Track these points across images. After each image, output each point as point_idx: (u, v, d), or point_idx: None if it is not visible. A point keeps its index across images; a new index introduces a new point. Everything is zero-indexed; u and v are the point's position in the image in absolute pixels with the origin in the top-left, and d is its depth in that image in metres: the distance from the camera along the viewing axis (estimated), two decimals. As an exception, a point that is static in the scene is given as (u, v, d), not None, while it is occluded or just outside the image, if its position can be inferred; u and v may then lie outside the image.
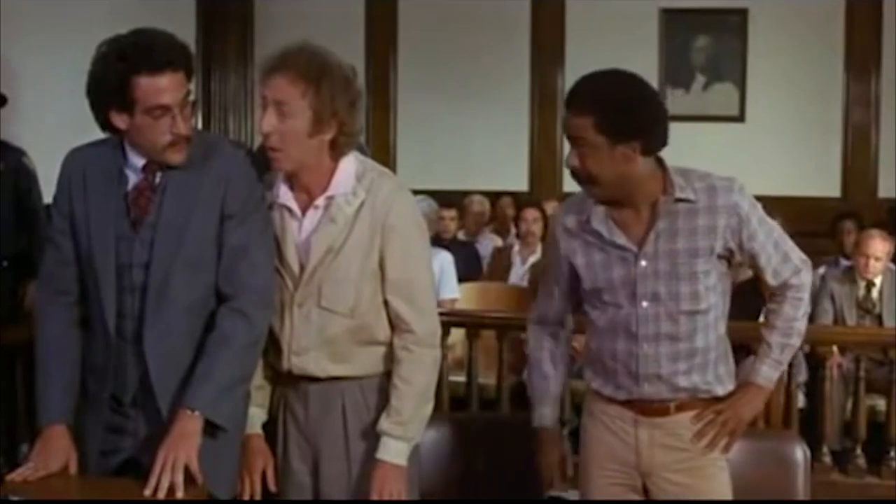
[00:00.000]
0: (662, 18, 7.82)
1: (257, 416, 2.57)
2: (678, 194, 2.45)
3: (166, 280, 2.42)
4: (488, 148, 7.91)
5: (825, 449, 4.79)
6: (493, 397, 4.89)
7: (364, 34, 8.18)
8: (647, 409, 2.54)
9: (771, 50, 7.73)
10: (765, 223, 2.52)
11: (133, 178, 2.46)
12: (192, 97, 2.45)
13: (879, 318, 5.46)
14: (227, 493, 2.47)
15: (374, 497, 2.48)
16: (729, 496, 2.58)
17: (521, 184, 8.03)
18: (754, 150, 7.25)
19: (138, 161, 2.44)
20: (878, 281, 5.48)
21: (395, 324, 2.53)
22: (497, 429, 3.09)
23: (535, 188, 8.00)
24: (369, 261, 2.49)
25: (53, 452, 2.42)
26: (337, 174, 2.49)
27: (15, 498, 2.23)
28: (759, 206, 2.53)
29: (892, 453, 4.75)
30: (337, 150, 2.48)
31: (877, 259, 5.43)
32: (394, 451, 2.50)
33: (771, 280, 2.55)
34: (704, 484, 2.55)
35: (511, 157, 8.04)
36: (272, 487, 2.54)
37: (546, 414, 2.71)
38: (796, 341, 2.60)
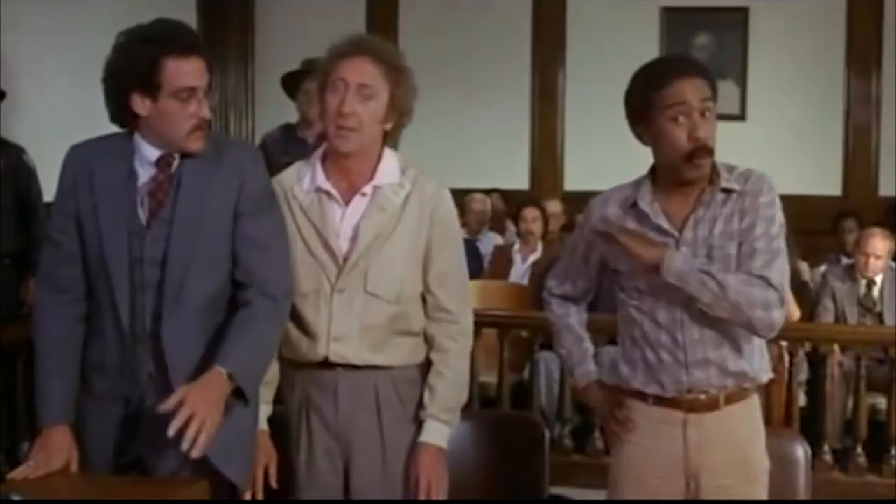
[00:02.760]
0: (663, 17, 7.81)
1: (263, 412, 2.56)
2: (724, 184, 2.48)
3: (184, 277, 2.41)
4: (489, 146, 7.90)
5: (826, 447, 4.79)
6: (494, 396, 4.89)
7: (365, 32, 8.18)
8: (697, 404, 2.51)
9: (772, 48, 7.73)
10: (772, 229, 2.45)
11: (144, 173, 2.44)
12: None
13: (880, 317, 5.46)
14: (241, 480, 2.46)
15: (423, 479, 2.50)
16: (764, 498, 2.57)
17: (521, 182, 8.03)
18: (755, 149, 7.22)
19: (151, 154, 2.43)
20: (878, 279, 5.48)
21: (436, 316, 2.59)
22: (498, 428, 3.08)
23: (535, 187, 8.00)
24: (416, 251, 2.54)
25: (54, 451, 2.41)
26: (382, 164, 2.54)
27: (16, 497, 2.23)
28: (778, 216, 2.47)
29: (893, 452, 4.75)
30: (387, 139, 2.54)
31: (877, 257, 5.43)
32: (439, 435, 2.55)
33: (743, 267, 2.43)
34: (747, 486, 2.54)
35: (512, 156, 8.03)
36: (273, 484, 2.53)
37: (592, 370, 2.72)
38: (715, 286, 2.39)
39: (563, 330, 2.75)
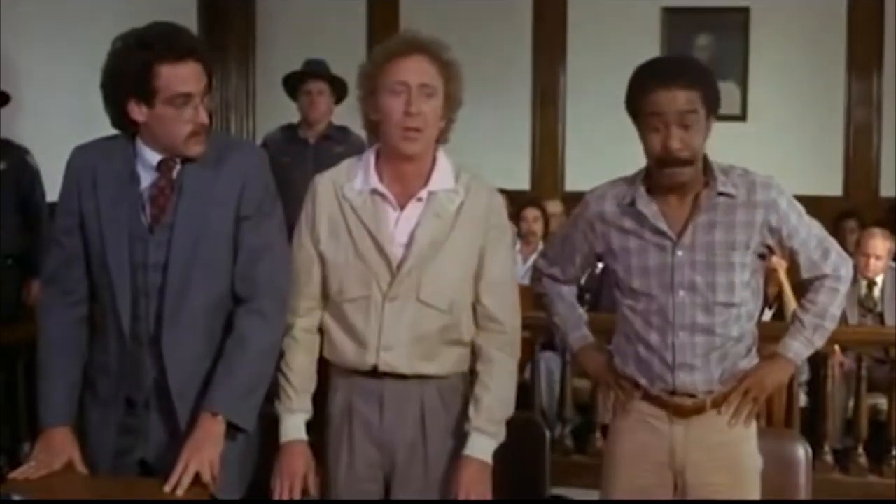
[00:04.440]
0: (664, 17, 7.80)
1: (302, 419, 2.52)
2: (720, 188, 2.49)
3: (185, 282, 2.40)
4: (490, 147, 7.89)
5: (827, 448, 4.79)
6: (495, 396, 4.89)
7: (366, 33, 8.17)
8: (682, 409, 2.53)
9: (773, 49, 7.72)
10: (804, 220, 2.56)
11: (146, 177, 2.43)
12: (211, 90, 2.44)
13: (881, 317, 5.46)
14: (232, 493, 2.46)
15: (463, 495, 2.44)
16: (757, 497, 2.59)
17: (522, 183, 8.02)
18: (756, 149, 7.21)
19: (152, 158, 2.42)
20: (879, 280, 5.48)
21: (484, 325, 2.53)
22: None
23: (536, 187, 7.99)
24: (470, 260, 2.49)
25: (55, 451, 2.42)
26: (437, 169, 2.50)
27: (17, 497, 2.23)
28: (797, 203, 2.56)
29: (894, 452, 4.75)
30: (439, 140, 2.51)
31: (878, 258, 5.43)
32: (485, 449, 2.50)
33: (805, 273, 2.60)
34: (736, 485, 2.55)
35: (513, 157, 8.03)
36: (312, 491, 2.49)
37: (587, 333, 2.76)
38: (830, 325, 2.63)
39: (555, 298, 2.77)
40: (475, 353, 2.55)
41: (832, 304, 2.60)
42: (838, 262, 2.60)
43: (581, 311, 2.79)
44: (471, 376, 2.56)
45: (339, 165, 2.57)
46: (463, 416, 2.53)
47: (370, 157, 2.52)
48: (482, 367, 2.53)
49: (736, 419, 2.54)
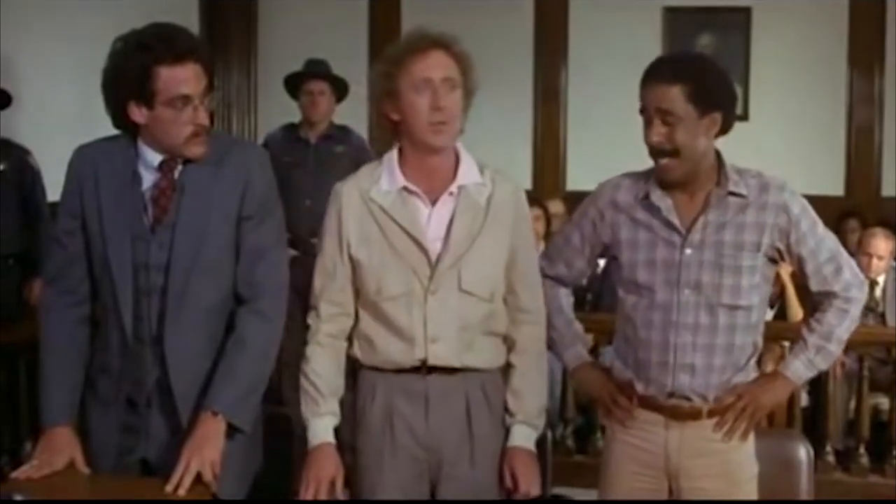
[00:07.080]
0: (666, 16, 7.80)
1: (331, 423, 2.50)
2: (731, 188, 2.48)
3: (187, 282, 2.40)
4: (491, 146, 7.87)
5: (828, 448, 4.80)
6: (496, 396, 4.89)
7: (367, 33, 8.18)
8: (679, 412, 2.52)
9: (774, 48, 7.72)
10: (816, 231, 2.52)
11: (148, 177, 2.43)
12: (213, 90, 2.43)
13: (883, 317, 5.45)
14: (233, 492, 2.46)
15: (523, 484, 2.47)
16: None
17: (524, 182, 8.02)
18: (758, 149, 7.19)
19: (154, 159, 2.42)
20: (881, 280, 5.48)
21: (518, 318, 2.56)
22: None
23: (537, 186, 7.99)
24: (503, 251, 2.51)
25: (57, 450, 2.42)
26: (463, 163, 2.52)
27: (19, 497, 2.23)
28: (812, 212, 2.53)
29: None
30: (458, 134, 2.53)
31: (880, 258, 5.43)
32: (531, 439, 2.54)
33: (813, 286, 2.55)
34: (732, 491, 2.53)
35: (514, 156, 8.02)
36: (340, 496, 2.48)
37: (583, 352, 2.73)
38: (835, 348, 2.58)
39: (554, 312, 2.72)
40: (510, 347, 2.57)
41: (840, 325, 2.55)
42: (850, 282, 2.55)
43: (578, 326, 2.76)
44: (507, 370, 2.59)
45: (359, 171, 2.57)
46: (503, 412, 2.55)
47: (392, 157, 2.52)
48: (519, 359, 2.56)
49: (730, 436, 2.52)
